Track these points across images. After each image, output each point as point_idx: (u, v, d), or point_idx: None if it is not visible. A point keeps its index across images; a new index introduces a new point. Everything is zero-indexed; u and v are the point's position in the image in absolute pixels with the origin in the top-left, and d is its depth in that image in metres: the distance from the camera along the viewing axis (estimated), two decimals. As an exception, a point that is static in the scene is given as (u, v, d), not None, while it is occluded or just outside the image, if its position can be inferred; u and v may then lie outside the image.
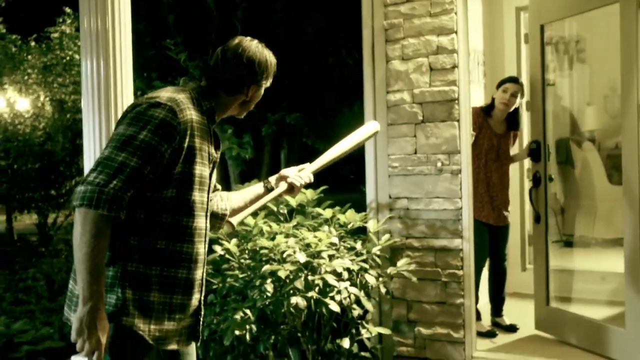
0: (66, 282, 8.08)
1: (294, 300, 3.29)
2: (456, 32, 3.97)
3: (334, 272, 3.50)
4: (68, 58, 9.80)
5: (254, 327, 3.45)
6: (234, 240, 3.62)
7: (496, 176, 4.56)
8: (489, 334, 4.47)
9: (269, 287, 3.39)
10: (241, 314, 3.40)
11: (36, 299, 7.42)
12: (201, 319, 2.18)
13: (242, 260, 3.59)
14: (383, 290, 3.80)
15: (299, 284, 3.33)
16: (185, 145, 1.95)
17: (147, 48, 5.83)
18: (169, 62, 5.62)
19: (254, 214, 3.68)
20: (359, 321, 3.68)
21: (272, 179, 2.50)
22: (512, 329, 4.59)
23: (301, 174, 2.44)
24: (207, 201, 2.12)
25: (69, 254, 10.44)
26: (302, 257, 3.41)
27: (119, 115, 2.87)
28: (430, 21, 4.03)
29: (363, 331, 3.63)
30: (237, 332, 3.32)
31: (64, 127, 9.71)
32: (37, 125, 9.93)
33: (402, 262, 3.87)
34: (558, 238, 6.34)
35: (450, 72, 3.98)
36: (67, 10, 10.18)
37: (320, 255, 3.50)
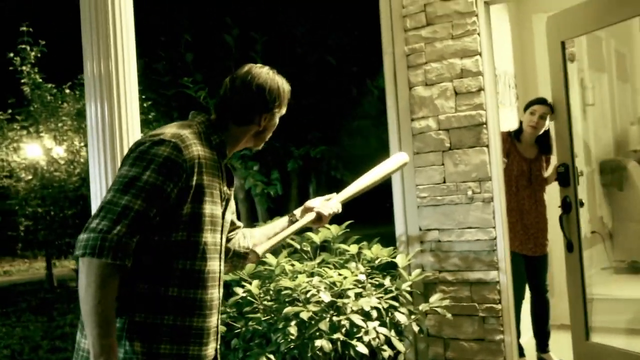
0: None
1: (318, 343, 3.10)
2: (480, 54, 3.80)
3: (362, 312, 3.31)
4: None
5: (279, 372, 3.27)
6: (256, 282, 3.46)
7: (529, 203, 4.32)
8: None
9: (293, 329, 3.20)
10: (264, 359, 3.22)
11: (72, 346, 7.35)
12: None
13: (265, 302, 3.42)
14: (416, 328, 3.58)
15: (324, 325, 3.14)
16: (193, 183, 1.81)
17: (167, 87, 5.78)
18: (189, 100, 5.56)
19: (276, 252, 3.53)
20: (391, 363, 3.45)
21: (297, 212, 2.35)
22: (560, 365, 4.29)
23: (329, 203, 2.28)
24: (221, 242, 1.97)
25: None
26: (326, 297, 3.23)
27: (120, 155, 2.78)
28: (453, 44, 3.87)
29: (395, 374, 3.40)
30: (260, 379, 3.14)
31: (98, 172, 9.77)
32: (71, 171, 10.03)
33: (434, 298, 3.65)
34: (607, 265, 6.01)
35: (477, 95, 3.80)
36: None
37: (346, 294, 3.31)
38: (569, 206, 4.05)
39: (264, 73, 2.01)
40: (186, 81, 5.39)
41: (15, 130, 10.45)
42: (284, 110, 2.10)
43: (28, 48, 10.31)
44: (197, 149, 1.84)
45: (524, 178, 4.33)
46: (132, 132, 2.78)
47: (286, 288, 3.31)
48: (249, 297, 3.45)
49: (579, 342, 4.07)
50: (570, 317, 4.13)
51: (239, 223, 2.28)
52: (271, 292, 3.47)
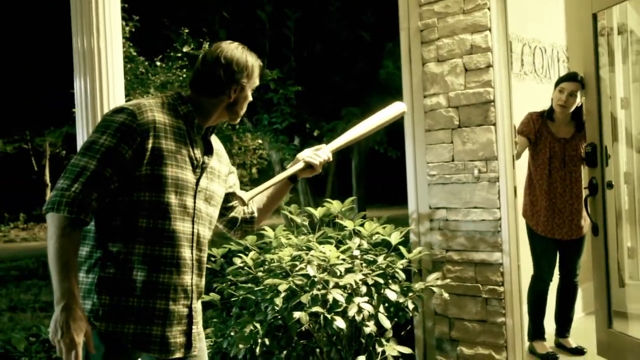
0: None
1: (296, 314, 3.20)
2: (490, 29, 3.67)
3: (350, 287, 3.36)
4: (184, 76, 10.33)
5: (266, 340, 3.40)
6: (252, 253, 3.59)
7: (562, 186, 4.14)
8: (548, 357, 4.06)
9: (279, 300, 3.32)
10: (251, 327, 3.36)
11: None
12: (193, 328, 2.12)
13: (259, 273, 3.56)
14: (411, 306, 3.58)
15: (304, 298, 3.23)
16: (149, 146, 1.95)
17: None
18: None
19: (275, 225, 3.65)
20: (377, 338, 3.49)
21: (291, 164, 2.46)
22: (578, 352, 4.15)
23: (319, 152, 2.39)
24: (194, 206, 2.08)
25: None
26: (311, 271, 3.31)
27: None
28: (464, 19, 3.77)
29: (380, 349, 3.44)
30: (241, 346, 3.29)
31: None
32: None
33: (432, 277, 3.64)
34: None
35: (485, 72, 3.69)
36: (185, 31, 10.74)
37: (334, 270, 3.38)
38: (595, 188, 3.86)
39: (233, 47, 2.13)
40: None
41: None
42: (254, 83, 2.19)
43: (123, 23, 10.90)
44: (153, 115, 1.98)
45: (557, 159, 4.16)
46: (115, 106, 2.96)
47: (272, 260, 3.42)
48: (246, 267, 3.60)
49: (601, 330, 3.91)
50: (595, 303, 3.97)
51: (242, 192, 2.39)
52: (266, 264, 3.59)
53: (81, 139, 2.98)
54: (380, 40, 5.46)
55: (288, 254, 3.39)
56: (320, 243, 3.64)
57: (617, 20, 4.32)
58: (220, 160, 2.25)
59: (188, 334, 2.11)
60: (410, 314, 3.58)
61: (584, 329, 4.45)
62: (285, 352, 3.47)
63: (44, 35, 16.03)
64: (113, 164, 1.90)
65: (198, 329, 2.16)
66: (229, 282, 3.66)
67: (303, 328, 3.37)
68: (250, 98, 2.21)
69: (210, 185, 2.16)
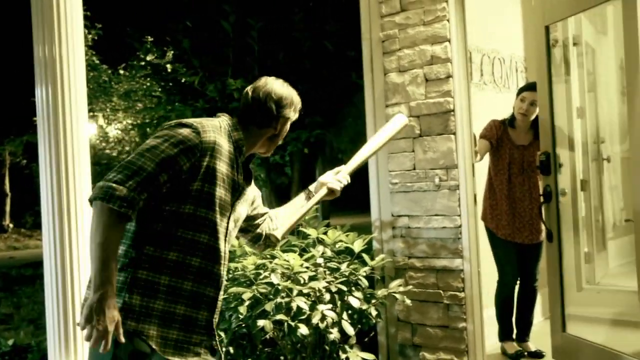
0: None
1: (260, 322, 3.22)
2: (449, 40, 3.76)
3: (314, 295, 3.39)
4: (148, 84, 10.31)
5: (230, 349, 3.41)
6: (216, 262, 3.60)
7: (521, 191, 4.25)
8: (517, 356, 4.16)
9: (243, 309, 3.33)
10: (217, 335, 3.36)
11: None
12: (216, 338, 2.24)
13: (224, 282, 3.56)
14: (374, 312, 3.63)
15: (268, 306, 3.25)
16: (205, 164, 2.07)
17: (167, 73, 5.99)
18: (191, 86, 5.73)
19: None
20: (341, 345, 3.53)
21: (312, 187, 2.64)
22: (537, 355, 4.24)
23: (339, 176, 2.57)
24: (227, 226, 2.21)
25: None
26: (275, 279, 3.33)
27: (69, 139, 2.95)
28: (424, 30, 3.85)
29: (344, 356, 3.47)
30: (205, 355, 3.29)
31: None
32: (121, 149, 10.51)
33: (394, 284, 3.69)
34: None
35: (445, 82, 3.77)
36: (149, 38, 10.71)
37: (297, 278, 3.41)
38: (549, 195, 3.96)
39: (279, 84, 2.33)
40: (179, 67, 5.60)
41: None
42: (294, 117, 2.37)
43: (85, 31, 10.82)
44: (214, 136, 2.11)
45: (515, 165, 4.26)
46: (76, 115, 2.96)
47: (236, 269, 3.44)
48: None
49: (556, 333, 4.01)
50: (550, 307, 4.06)
51: (266, 209, 2.57)
52: (230, 272, 3.60)
53: (43, 148, 2.97)
54: (343, 50, 5.54)
55: (252, 262, 3.41)
56: (284, 251, 3.67)
57: (572, 32, 4.46)
58: (251, 186, 2.42)
59: (211, 342, 2.22)
60: (374, 321, 3.63)
61: (543, 332, 4.55)
62: (249, 359, 3.49)
63: (4, 42, 15.75)
64: (169, 172, 2.00)
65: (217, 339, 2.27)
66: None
67: (267, 336, 3.39)
68: (286, 131, 2.40)
69: (240, 209, 2.31)
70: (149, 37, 10.76)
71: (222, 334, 3.39)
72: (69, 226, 2.92)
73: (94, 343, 1.84)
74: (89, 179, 3.03)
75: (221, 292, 2.24)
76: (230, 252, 3.70)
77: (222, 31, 5.57)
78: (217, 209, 2.13)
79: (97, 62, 11.13)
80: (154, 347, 2.02)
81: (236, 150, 2.22)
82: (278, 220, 2.59)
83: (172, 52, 6.54)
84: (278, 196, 6.14)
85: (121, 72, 11.07)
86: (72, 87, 2.96)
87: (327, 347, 3.54)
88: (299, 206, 2.60)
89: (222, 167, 2.13)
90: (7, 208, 24.49)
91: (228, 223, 2.21)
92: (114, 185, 1.90)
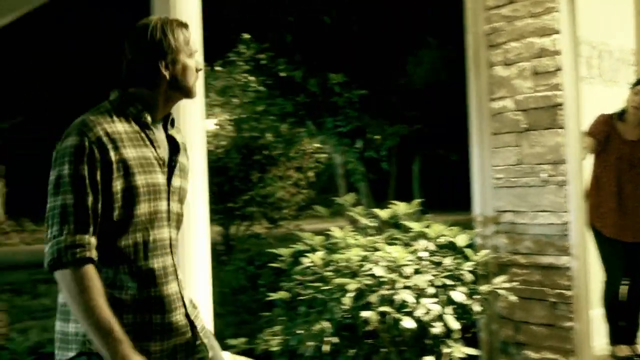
0: (243, 287, 8.64)
1: (365, 314, 3.26)
2: (558, 32, 3.66)
3: (417, 288, 3.40)
4: (244, 80, 10.52)
5: (334, 339, 3.47)
6: (320, 253, 3.67)
7: (630, 188, 4.10)
8: (628, 361, 4.04)
9: (346, 300, 3.38)
10: (319, 325, 3.44)
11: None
12: (198, 332, 1.98)
13: (327, 273, 3.63)
14: (477, 308, 3.59)
15: (373, 298, 3.29)
16: (112, 159, 1.78)
17: (269, 68, 6.09)
18: (292, 81, 5.81)
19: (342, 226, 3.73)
20: (443, 339, 3.52)
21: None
22: (647, 359, 4.08)
23: None
24: (168, 209, 1.91)
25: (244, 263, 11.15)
26: (378, 271, 3.36)
27: (187, 132, 3.09)
28: (532, 22, 3.77)
29: (446, 350, 3.46)
30: (310, 343, 3.36)
31: (237, 145, 10.44)
32: (218, 144, 10.79)
33: (498, 280, 3.64)
34: None
35: (554, 75, 3.68)
36: (246, 36, 10.95)
37: (401, 271, 3.42)
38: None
39: (143, 26, 1.90)
40: (282, 62, 5.68)
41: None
42: (185, 50, 1.91)
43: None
44: (102, 128, 1.79)
45: (624, 161, 4.12)
46: (191, 109, 3.10)
47: (340, 260, 3.49)
48: (313, 267, 3.67)
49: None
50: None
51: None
52: (332, 264, 3.66)
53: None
54: (445, 46, 5.49)
55: (356, 254, 3.46)
56: (387, 244, 3.69)
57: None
58: (186, 155, 2.06)
59: (193, 341, 1.96)
60: (476, 316, 3.59)
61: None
62: (352, 350, 3.53)
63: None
64: (91, 191, 1.74)
65: (202, 332, 2.01)
66: (297, 282, 3.74)
67: (370, 327, 3.42)
68: (192, 65, 1.93)
69: (182, 184, 2.00)
70: (246, 34, 11.05)
71: (327, 323, 3.45)
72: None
73: None
74: (205, 166, 3.17)
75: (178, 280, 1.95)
76: (332, 244, 3.79)
77: (324, 26, 5.64)
78: (146, 197, 1.83)
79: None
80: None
81: (140, 126, 1.88)
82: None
83: (267, 46, 6.52)
84: (375, 191, 6.15)
85: (217, 68, 11.35)
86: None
87: (429, 341, 3.54)
88: None
89: (131, 152, 1.82)
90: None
91: (169, 206, 1.91)
92: (54, 241, 1.68)
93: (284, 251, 3.85)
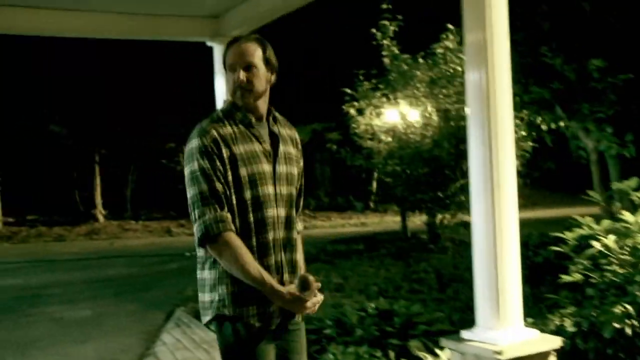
0: (454, 276, 8.80)
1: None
2: None
3: None
4: (452, 71, 10.62)
5: (634, 322, 3.48)
6: (612, 237, 3.69)
7: None
8: None
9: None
10: (621, 308, 3.47)
11: (428, 289, 8.25)
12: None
13: (621, 256, 3.65)
14: None
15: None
16: (225, 155, 2.31)
17: (523, 56, 6.09)
18: (544, 68, 5.78)
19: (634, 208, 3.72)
20: None
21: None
22: None
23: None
24: (275, 192, 2.39)
25: (455, 252, 11.28)
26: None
27: (499, 120, 3.26)
28: None
29: None
30: (616, 326, 3.40)
31: (448, 134, 10.57)
32: (425, 134, 10.98)
33: None
34: None
35: None
36: (450, 27, 11.03)
37: None
38: None
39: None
40: (545, 50, 5.65)
41: (377, 97, 11.78)
42: (230, 64, 2.43)
43: (388, 23, 11.49)
44: (216, 132, 2.32)
45: None
46: (503, 95, 3.25)
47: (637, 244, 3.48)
48: (604, 251, 3.70)
49: None
50: None
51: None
52: (627, 247, 3.67)
53: (474, 129, 3.30)
54: None
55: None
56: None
57: None
58: (292, 144, 2.52)
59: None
60: None
61: None
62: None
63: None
64: (218, 179, 2.27)
65: None
66: (583, 266, 3.79)
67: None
68: (232, 79, 2.42)
69: (289, 169, 2.46)
70: (450, 24, 11.14)
71: (629, 306, 3.47)
72: (499, 199, 3.23)
73: (307, 310, 2.31)
74: (513, 154, 3.32)
75: (290, 253, 2.43)
76: (618, 228, 3.79)
77: (582, 12, 5.58)
78: (248, 185, 2.32)
79: (397, 52, 11.73)
80: (255, 324, 2.31)
81: (246, 126, 2.39)
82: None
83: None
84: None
85: (420, 60, 11.54)
86: (497, 71, 3.25)
87: None
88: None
89: (240, 148, 2.33)
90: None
91: (275, 189, 2.39)
92: (202, 222, 2.22)
93: (568, 235, 3.91)
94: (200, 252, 2.37)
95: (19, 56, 18.97)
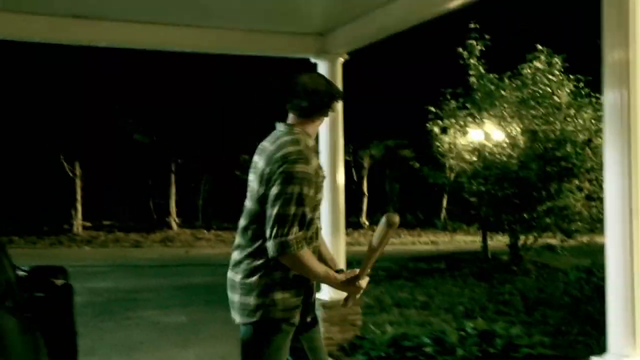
0: (540, 300, 8.65)
1: None
2: None
3: None
4: (541, 92, 10.51)
5: None
6: None
7: None
8: None
9: None
10: None
11: (514, 312, 8.13)
12: (312, 301, 2.85)
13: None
14: None
15: None
16: (314, 180, 2.65)
17: None
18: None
19: None
20: None
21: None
22: None
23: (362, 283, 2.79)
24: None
25: (538, 275, 11.08)
26: None
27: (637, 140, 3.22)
28: None
29: None
30: None
31: (535, 156, 10.44)
32: (512, 154, 10.87)
33: None
34: None
35: None
36: (539, 47, 10.93)
37: None
38: None
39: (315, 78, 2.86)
40: None
41: (463, 116, 11.76)
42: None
43: (474, 43, 11.46)
44: (311, 159, 2.66)
45: None
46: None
47: None
48: None
49: None
50: None
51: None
52: None
53: (612, 154, 3.29)
54: None
55: None
56: None
57: None
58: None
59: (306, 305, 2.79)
60: None
61: None
62: None
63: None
64: (309, 204, 2.62)
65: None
66: None
67: None
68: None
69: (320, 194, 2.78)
70: (539, 45, 11.03)
71: None
72: (637, 226, 3.19)
73: (360, 292, 2.77)
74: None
75: None
76: None
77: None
78: (318, 205, 2.74)
79: (483, 71, 11.68)
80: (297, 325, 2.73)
81: (316, 153, 2.77)
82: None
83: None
84: None
85: (506, 80, 11.46)
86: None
87: None
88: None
89: (318, 175, 2.70)
90: (364, 207, 27.03)
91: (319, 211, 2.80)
92: (285, 238, 2.54)
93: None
94: (248, 261, 2.70)
95: (115, 69, 19.78)
